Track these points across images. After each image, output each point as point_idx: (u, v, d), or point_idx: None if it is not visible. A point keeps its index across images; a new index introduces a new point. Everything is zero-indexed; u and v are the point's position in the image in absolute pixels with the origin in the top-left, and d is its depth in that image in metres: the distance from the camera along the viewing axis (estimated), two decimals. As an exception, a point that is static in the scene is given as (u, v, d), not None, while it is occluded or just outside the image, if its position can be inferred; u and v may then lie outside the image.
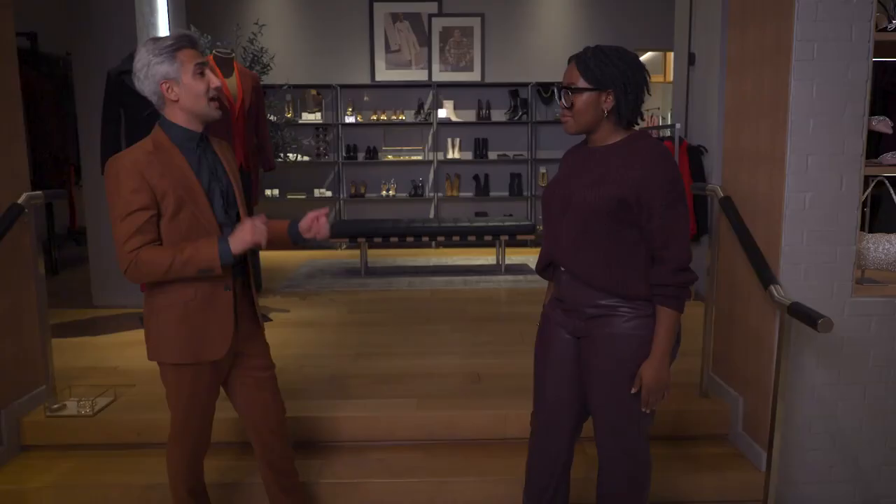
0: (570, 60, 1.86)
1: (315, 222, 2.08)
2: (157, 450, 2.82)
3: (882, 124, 2.56)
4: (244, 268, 2.10)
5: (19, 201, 2.79)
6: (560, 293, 1.97)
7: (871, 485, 2.63)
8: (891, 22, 2.49)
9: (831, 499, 2.63)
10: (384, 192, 7.70)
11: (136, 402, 3.03)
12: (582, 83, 1.81)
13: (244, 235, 1.89)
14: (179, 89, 1.88)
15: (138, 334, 4.08)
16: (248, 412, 2.17)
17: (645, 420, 1.93)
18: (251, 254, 2.12)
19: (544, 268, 2.05)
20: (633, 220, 1.80)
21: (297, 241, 2.13)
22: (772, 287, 2.40)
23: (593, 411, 1.96)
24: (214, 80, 1.92)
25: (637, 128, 1.91)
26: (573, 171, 1.92)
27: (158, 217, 1.88)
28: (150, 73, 1.86)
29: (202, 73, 1.90)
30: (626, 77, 1.79)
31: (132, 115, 4.14)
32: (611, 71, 1.79)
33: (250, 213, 4.25)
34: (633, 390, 1.85)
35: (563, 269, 1.93)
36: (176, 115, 1.93)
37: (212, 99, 1.93)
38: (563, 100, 1.85)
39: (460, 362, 3.54)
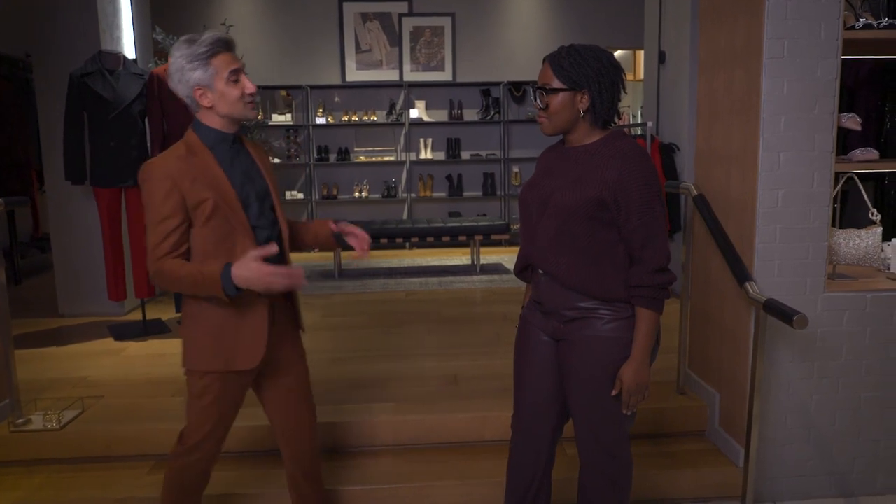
0: (544, 60, 1.84)
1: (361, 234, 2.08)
2: (128, 463, 2.76)
3: (851, 121, 2.59)
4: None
5: (-22, 209, 2.70)
6: (538, 295, 1.95)
7: (845, 477, 2.66)
8: (858, 20, 2.52)
9: (807, 492, 2.66)
10: (357, 194, 7.64)
11: (105, 414, 2.94)
12: (556, 83, 1.79)
13: (250, 275, 1.74)
14: (213, 96, 1.84)
15: (106, 343, 3.99)
16: (281, 422, 2.10)
17: (626, 421, 1.92)
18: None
19: (522, 270, 2.03)
20: (611, 221, 1.79)
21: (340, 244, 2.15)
22: (747, 284, 2.42)
23: (573, 414, 1.95)
24: (250, 86, 1.87)
25: (613, 126, 1.90)
26: (550, 172, 1.90)
27: (190, 224, 1.83)
28: (183, 79, 1.82)
29: (237, 80, 1.85)
30: (601, 76, 1.78)
31: (96, 118, 4.04)
32: (585, 70, 1.77)
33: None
34: (614, 392, 1.84)
35: (540, 271, 1.91)
36: (210, 119, 1.88)
37: (247, 102, 1.88)
38: (538, 100, 1.83)
39: (437, 365, 3.52)
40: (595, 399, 1.87)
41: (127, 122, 4.07)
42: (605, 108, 1.80)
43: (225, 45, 1.85)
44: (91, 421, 2.89)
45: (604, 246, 1.81)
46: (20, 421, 2.83)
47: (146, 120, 4.18)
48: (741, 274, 2.47)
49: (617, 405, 1.86)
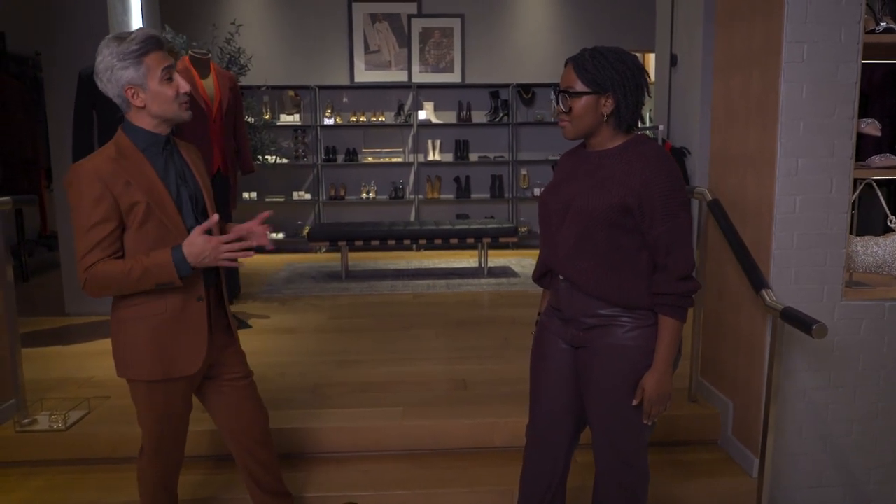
0: (566, 63, 1.80)
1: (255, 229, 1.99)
2: (133, 465, 2.71)
3: (870, 126, 2.54)
4: (217, 276, 2.01)
5: (-15, 207, 2.68)
6: (558, 302, 1.91)
7: (861, 488, 2.62)
8: (878, 24, 2.48)
9: (821, 502, 2.62)
10: (364, 195, 7.61)
11: (112, 415, 2.92)
12: (580, 86, 1.75)
13: (201, 249, 1.76)
14: (146, 95, 1.78)
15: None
16: (228, 423, 2.09)
17: (645, 431, 1.88)
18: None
19: (541, 276, 1.99)
20: (634, 227, 1.75)
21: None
22: (763, 291, 2.38)
23: (592, 423, 1.91)
24: (184, 85, 1.83)
25: (636, 131, 1.86)
26: (572, 176, 1.85)
27: (124, 228, 1.79)
28: (113, 78, 1.76)
29: (170, 78, 1.81)
30: (626, 79, 1.73)
31: (105, 117, 4.02)
32: (610, 73, 1.73)
33: (229, 218, 4.15)
34: (635, 402, 1.80)
35: (561, 277, 1.87)
36: (141, 120, 1.83)
37: (181, 102, 1.84)
38: (560, 104, 1.79)
39: (445, 369, 3.48)
40: (615, 408, 1.83)
41: (136, 121, 4.05)
42: (629, 113, 1.76)
43: (157, 43, 1.80)
44: (97, 422, 2.87)
45: (626, 252, 1.77)
46: (26, 421, 2.81)
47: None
48: (757, 281, 2.43)
49: (637, 415, 1.82)
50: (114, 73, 1.75)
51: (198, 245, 1.77)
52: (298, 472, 2.64)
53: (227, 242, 1.82)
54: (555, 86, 7.50)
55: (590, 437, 1.95)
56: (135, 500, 2.47)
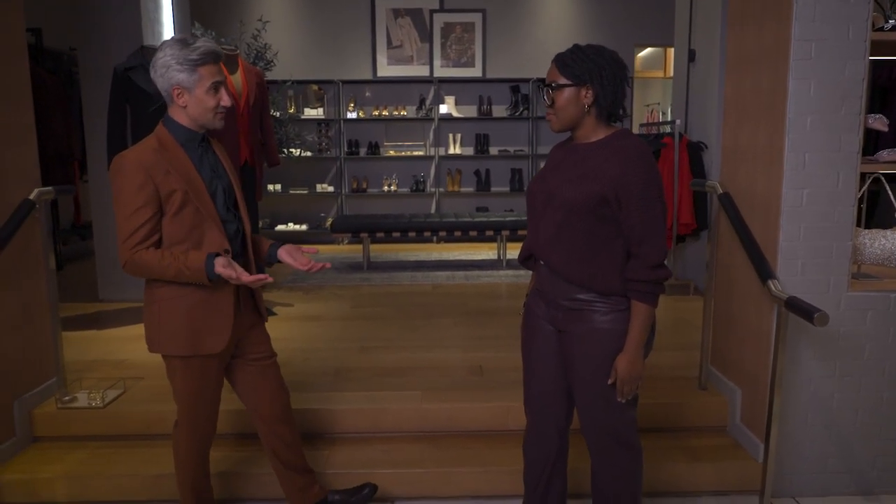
0: (552, 61, 1.92)
1: (300, 259, 2.14)
2: (166, 440, 2.87)
3: (878, 122, 2.60)
4: (245, 260, 2.15)
5: (30, 197, 2.85)
6: (540, 285, 2.04)
7: (865, 475, 2.69)
8: (887, 21, 2.53)
9: (827, 488, 2.69)
10: (386, 188, 7.74)
11: (145, 395, 3.08)
12: (561, 80, 1.87)
13: (229, 273, 1.91)
14: (189, 98, 1.96)
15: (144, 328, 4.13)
16: (251, 400, 2.24)
17: (628, 409, 1.98)
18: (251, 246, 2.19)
19: (525, 259, 2.11)
20: (612, 217, 1.85)
21: (269, 263, 2.24)
22: (770, 282, 2.45)
23: (577, 402, 2.02)
24: (226, 99, 2.00)
25: (619, 125, 1.96)
26: (558, 167, 1.97)
27: (162, 214, 1.95)
28: (167, 75, 1.93)
29: (216, 90, 1.98)
30: (603, 70, 1.84)
31: (138, 111, 4.18)
32: (587, 66, 1.84)
33: (256, 209, 4.29)
34: (609, 381, 1.91)
35: (541, 262, 1.99)
36: (181, 117, 2.01)
37: (218, 113, 2.00)
38: (545, 98, 1.91)
39: (463, 356, 3.60)
40: (595, 388, 1.94)
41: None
42: (608, 102, 1.87)
43: (214, 58, 1.97)
44: (132, 401, 3.03)
45: (603, 240, 1.87)
46: (66, 398, 2.98)
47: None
48: (764, 272, 2.50)
49: (615, 394, 1.93)
50: (169, 71, 1.92)
51: (229, 271, 1.92)
52: (321, 451, 2.78)
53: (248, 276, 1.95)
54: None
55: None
56: (168, 472, 2.64)
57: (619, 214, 1.84)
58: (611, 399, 1.93)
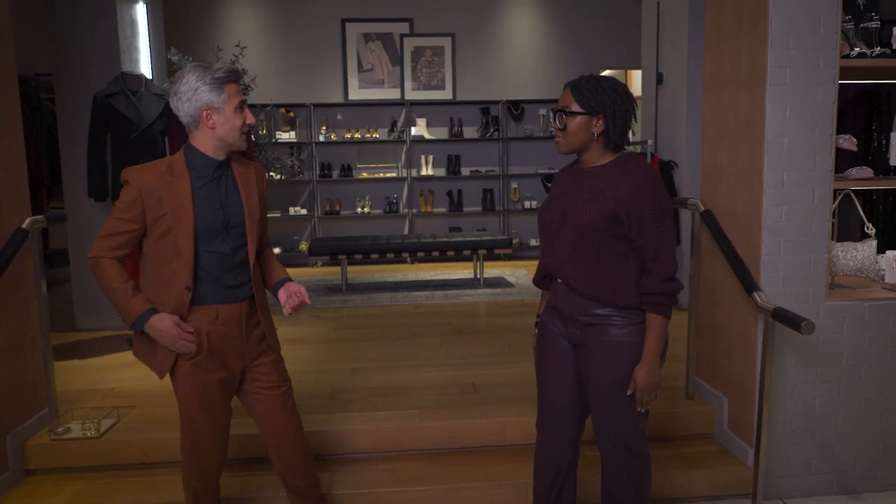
0: (565, 87, 2.03)
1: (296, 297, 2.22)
2: (165, 469, 2.86)
3: (847, 142, 2.78)
4: (250, 289, 2.16)
5: (23, 225, 2.82)
6: (556, 303, 2.12)
7: (847, 475, 2.83)
8: (852, 49, 2.72)
9: (812, 489, 2.82)
10: (359, 209, 7.78)
11: (141, 423, 3.06)
12: (575, 107, 1.97)
13: (161, 331, 1.98)
14: (218, 118, 1.99)
15: (127, 356, 4.08)
16: (264, 429, 2.25)
17: (641, 419, 2.08)
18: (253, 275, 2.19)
19: (541, 279, 2.20)
20: (624, 235, 1.97)
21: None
22: (755, 293, 2.59)
23: (594, 414, 2.11)
24: (251, 117, 2.05)
25: (624, 150, 2.08)
26: (568, 190, 2.07)
27: (144, 234, 2.01)
28: (194, 98, 1.96)
29: (242, 109, 2.02)
30: (616, 104, 1.96)
31: (120, 137, 4.18)
32: (602, 98, 1.95)
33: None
34: (629, 392, 2.00)
35: (559, 280, 2.08)
36: (204, 142, 2.02)
37: (243, 132, 2.04)
38: (556, 121, 2.01)
39: (454, 374, 3.66)
40: (613, 399, 2.03)
41: (148, 141, 4.21)
42: (617, 133, 1.99)
43: (237, 77, 2.04)
44: (127, 429, 3.00)
45: (617, 257, 1.98)
46: (60, 430, 2.93)
47: (166, 139, 4.32)
48: (749, 284, 2.64)
49: (632, 404, 2.02)
50: (197, 93, 1.95)
51: (163, 327, 1.98)
52: (323, 473, 2.79)
53: (183, 339, 2.01)
54: (546, 102, 7.78)
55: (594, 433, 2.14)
56: (170, 500, 2.62)
57: (631, 232, 1.94)
58: (627, 410, 2.02)
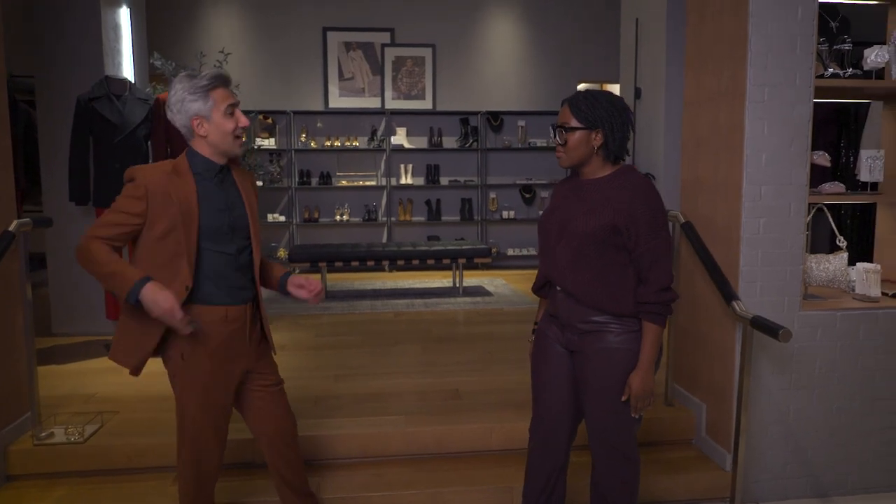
0: (563, 103, 2.09)
1: (308, 286, 2.22)
2: (150, 473, 2.86)
3: (821, 158, 2.90)
4: (255, 294, 2.20)
5: (10, 228, 2.80)
6: (555, 310, 2.18)
7: (819, 479, 2.93)
8: (826, 70, 2.85)
9: (785, 492, 2.92)
10: (338, 217, 7.80)
11: (125, 428, 3.04)
12: (574, 123, 2.04)
13: (155, 301, 1.88)
14: (209, 126, 2.01)
15: (106, 361, 4.03)
16: (261, 426, 2.28)
17: (634, 425, 2.14)
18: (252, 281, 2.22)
19: (540, 287, 2.25)
20: (622, 245, 2.03)
21: (282, 291, 2.28)
22: (734, 302, 2.68)
23: (588, 419, 2.17)
24: (243, 120, 2.06)
25: (623, 162, 2.15)
26: (568, 201, 2.13)
27: (140, 231, 1.99)
28: (183, 109, 1.99)
29: (232, 113, 2.04)
30: (613, 117, 2.03)
31: (103, 141, 4.15)
32: (599, 112, 2.02)
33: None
34: (623, 398, 2.07)
35: (558, 287, 2.14)
36: (202, 148, 2.06)
37: (237, 136, 2.06)
38: (557, 137, 2.08)
39: (438, 380, 3.70)
40: (609, 405, 2.10)
41: (132, 145, 4.19)
42: (616, 146, 2.05)
43: (223, 81, 2.04)
44: (112, 434, 2.98)
45: (615, 267, 2.04)
46: (43, 434, 2.90)
47: (150, 143, 4.31)
48: (728, 294, 2.74)
49: (627, 409, 2.09)
50: (184, 104, 1.98)
51: (158, 301, 1.89)
52: (312, 477, 2.80)
53: (175, 316, 1.93)
54: (525, 114, 7.89)
55: (586, 439, 2.21)
56: (158, 505, 2.61)
57: (629, 243, 2.01)
58: (622, 415, 2.08)
